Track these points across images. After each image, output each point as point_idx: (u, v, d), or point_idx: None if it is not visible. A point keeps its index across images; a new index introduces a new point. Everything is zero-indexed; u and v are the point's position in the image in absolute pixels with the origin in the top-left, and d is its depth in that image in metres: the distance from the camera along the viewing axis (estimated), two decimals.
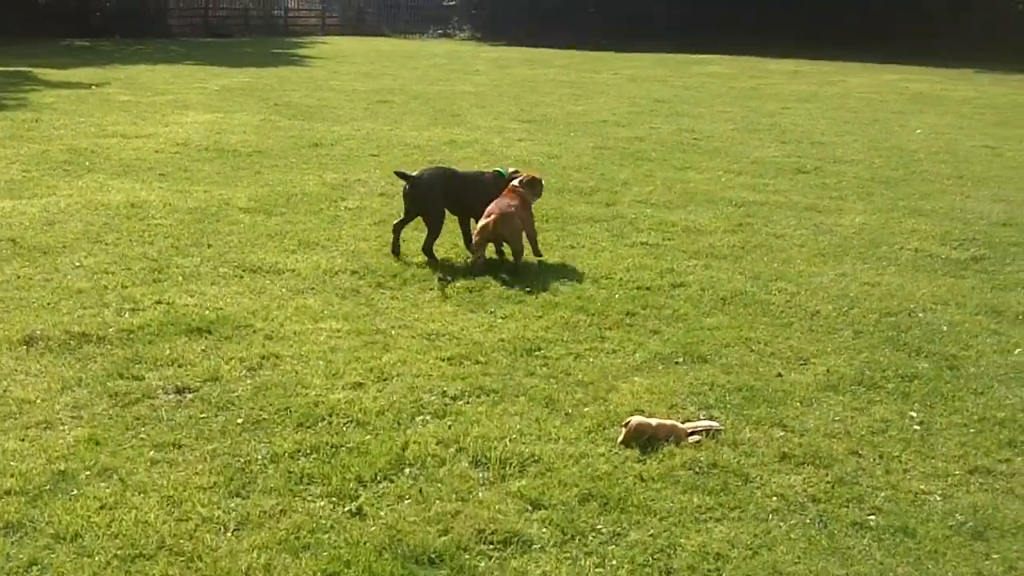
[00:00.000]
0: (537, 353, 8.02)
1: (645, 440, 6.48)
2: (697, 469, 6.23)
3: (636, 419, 6.48)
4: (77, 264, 9.82)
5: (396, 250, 10.60)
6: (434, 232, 10.24)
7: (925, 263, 11.14)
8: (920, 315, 9.28)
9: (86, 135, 17.15)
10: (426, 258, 10.58)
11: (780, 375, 7.85)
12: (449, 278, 9.86)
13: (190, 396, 6.96)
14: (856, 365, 8.04)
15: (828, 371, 7.88)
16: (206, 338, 8.03)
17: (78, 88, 23.92)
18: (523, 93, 26.60)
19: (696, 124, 21.36)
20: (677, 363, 8.01)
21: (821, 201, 14.28)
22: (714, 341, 8.52)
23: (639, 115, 22.72)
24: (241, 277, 9.67)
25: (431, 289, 9.59)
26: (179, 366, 7.45)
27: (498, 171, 10.62)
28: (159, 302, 8.79)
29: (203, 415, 6.68)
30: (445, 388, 7.19)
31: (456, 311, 8.99)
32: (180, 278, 9.48)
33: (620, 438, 6.50)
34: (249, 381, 7.21)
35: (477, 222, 10.13)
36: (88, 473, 5.90)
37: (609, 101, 25.05)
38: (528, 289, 9.64)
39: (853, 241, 12.08)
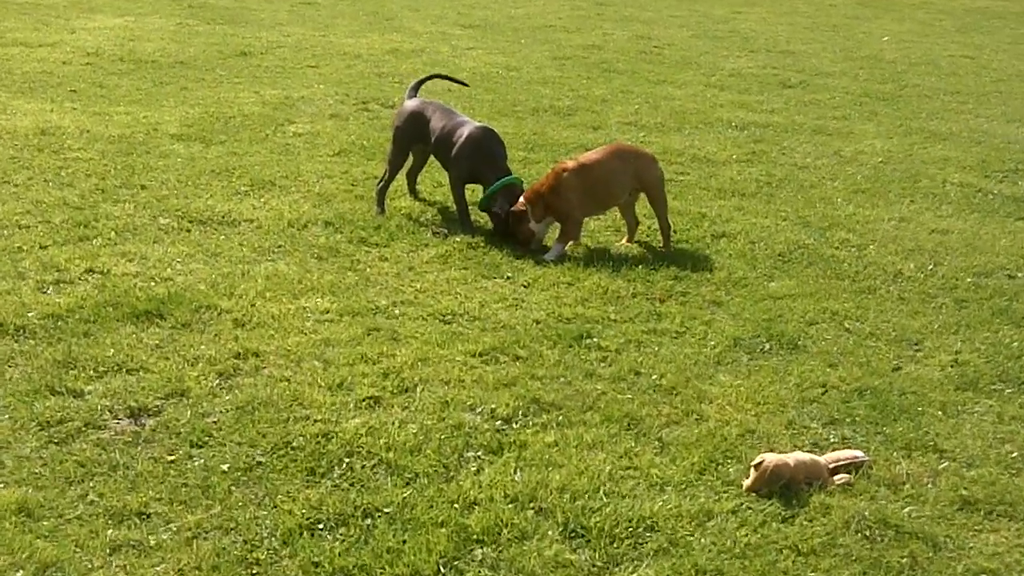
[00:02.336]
0: (588, 341, 6.23)
1: (782, 486, 4.67)
2: (866, 532, 4.54)
3: (771, 459, 4.71)
4: None
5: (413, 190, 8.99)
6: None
7: (982, 202, 9.81)
8: (1020, 276, 7.57)
9: None
10: (411, 197, 8.67)
11: (898, 367, 6.15)
12: (445, 230, 7.92)
13: (150, 424, 5.04)
14: (983, 351, 6.42)
15: (955, 361, 6.24)
16: (158, 325, 6.06)
17: None
18: None
19: (651, 30, 19.49)
20: (764, 351, 6.26)
21: (825, 122, 12.63)
22: (794, 316, 6.79)
23: (586, 19, 20.73)
24: (188, 231, 7.67)
25: (425, 245, 7.68)
26: (128, 372, 5.51)
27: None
28: (90, 270, 6.80)
29: (172, 457, 4.77)
30: (490, 403, 5.37)
31: (466, 277, 7.12)
32: (112, 234, 7.46)
33: (748, 483, 4.73)
34: (227, 396, 5.29)
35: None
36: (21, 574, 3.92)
37: (548, 2, 22.97)
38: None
39: (886, 173, 10.45)
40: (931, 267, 7.85)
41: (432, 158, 8.62)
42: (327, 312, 6.43)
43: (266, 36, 16.37)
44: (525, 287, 7.10)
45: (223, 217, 7.99)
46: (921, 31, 21.97)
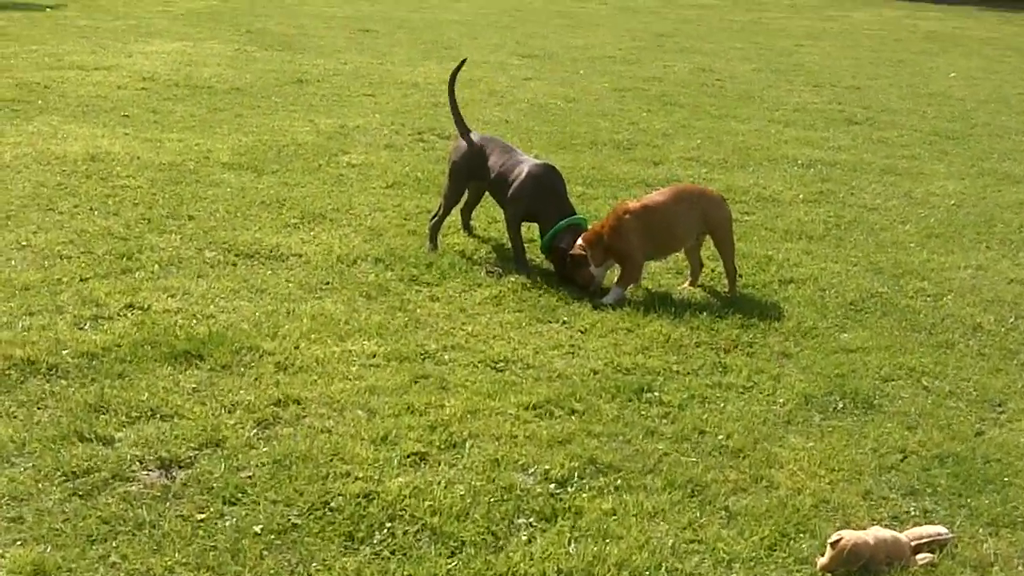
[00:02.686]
0: (649, 395, 5.84)
1: (861, 566, 4.25)
2: None
3: (849, 537, 4.31)
4: (23, 243, 7.46)
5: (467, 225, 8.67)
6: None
7: None
8: None
9: (38, 66, 14.54)
10: (464, 233, 8.33)
11: (981, 432, 5.70)
12: (499, 269, 7.57)
13: (181, 477, 4.69)
14: None
15: None
16: (196, 367, 5.73)
17: (29, 10, 21.04)
18: (514, 23, 24.11)
19: (711, 62, 19.10)
20: (837, 411, 5.83)
21: (894, 161, 12.17)
22: (868, 372, 6.36)
23: (645, 50, 20.40)
24: (234, 265, 7.36)
25: (479, 285, 7.32)
26: (162, 418, 5.17)
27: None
28: (130, 306, 6.50)
29: (202, 515, 4.44)
30: (544, 463, 5.01)
31: (520, 321, 6.74)
32: (155, 267, 7.16)
33: (824, 562, 4.32)
34: (264, 448, 4.94)
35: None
36: None
37: (607, 34, 22.68)
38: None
39: (959, 217, 9.99)
40: (1012, 320, 7.41)
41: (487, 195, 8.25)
42: (374, 356, 6.09)
43: (323, 63, 16.16)
44: (582, 333, 6.73)
45: (271, 251, 7.68)
46: (988, 67, 21.50)
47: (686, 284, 7.61)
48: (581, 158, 11.24)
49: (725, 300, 7.40)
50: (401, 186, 9.74)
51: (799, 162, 11.91)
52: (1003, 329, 7.24)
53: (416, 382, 5.83)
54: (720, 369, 6.35)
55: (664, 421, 5.63)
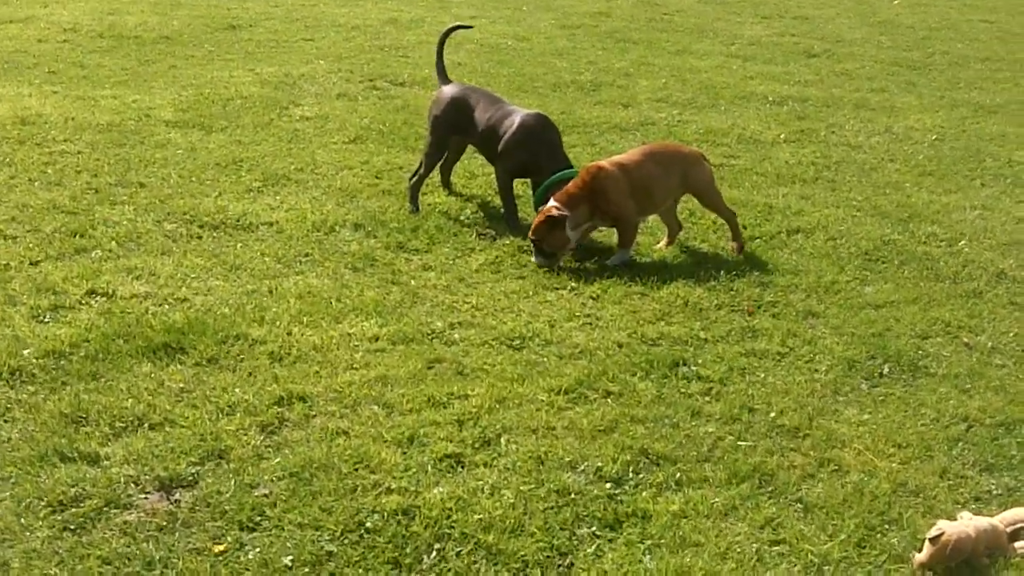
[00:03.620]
0: (684, 369, 5.32)
1: (963, 560, 3.77)
2: None
3: (951, 531, 3.83)
4: None
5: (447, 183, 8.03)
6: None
7: None
8: None
9: None
10: (445, 191, 7.77)
11: None
12: (492, 231, 6.97)
13: (186, 499, 4.07)
14: None
15: None
16: (179, 362, 5.07)
17: None
18: None
19: None
20: (884, 376, 5.36)
21: (864, 95, 11.78)
22: (903, 329, 5.91)
23: None
24: (199, 238, 6.67)
25: (471, 249, 6.73)
26: (151, 427, 4.53)
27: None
28: (92, 292, 5.80)
29: (220, 547, 3.79)
30: (592, 458, 4.46)
31: (525, 289, 6.17)
32: (113, 244, 6.45)
33: (923, 558, 3.83)
34: (276, 459, 4.32)
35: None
36: None
37: None
38: (598, 243, 7.12)
39: (946, 152, 9.62)
40: None
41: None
42: (376, 339, 5.47)
43: (253, 6, 15.31)
44: (594, 300, 6.16)
45: (238, 220, 6.99)
46: None
47: (662, 244, 7.02)
48: (547, 102, 10.61)
49: (734, 256, 6.84)
50: (364, 140, 9.05)
51: (770, 99, 11.40)
52: None
53: (430, 367, 5.22)
54: (750, 334, 5.83)
55: (707, 399, 5.09)
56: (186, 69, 11.38)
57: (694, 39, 14.81)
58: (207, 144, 8.71)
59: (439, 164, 7.67)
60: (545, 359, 5.41)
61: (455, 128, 7.37)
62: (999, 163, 9.40)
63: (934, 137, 10.17)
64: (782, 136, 9.91)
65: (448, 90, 7.45)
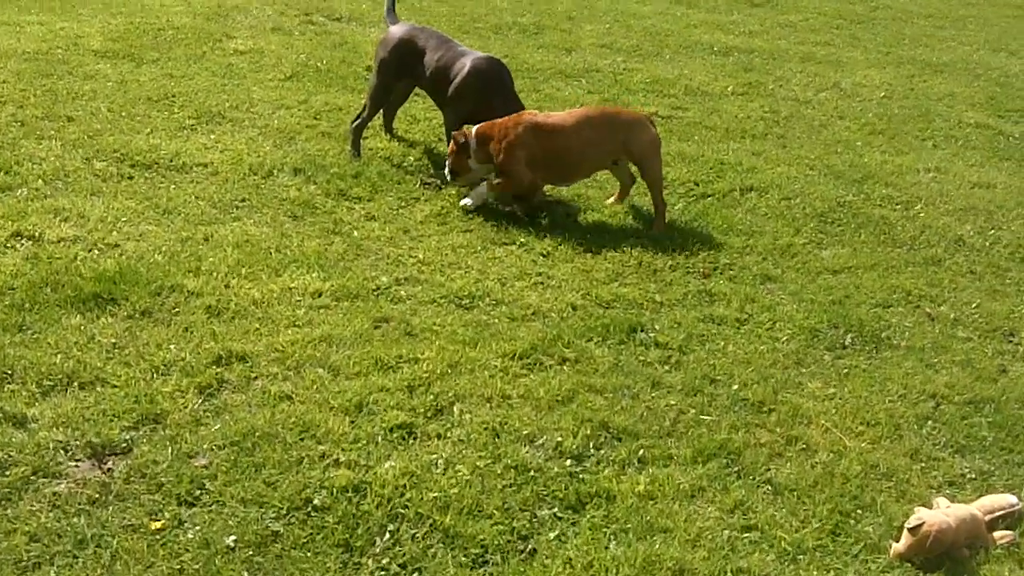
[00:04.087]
0: (642, 336, 5.12)
1: (943, 551, 3.61)
2: None
3: (931, 521, 3.67)
4: None
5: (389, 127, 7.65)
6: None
7: (1008, 148, 8.92)
8: None
9: None
10: (387, 136, 7.38)
11: (1004, 370, 5.12)
12: (436, 180, 6.68)
13: (120, 469, 3.82)
14: None
15: None
16: (111, 314, 4.76)
17: None
18: None
19: None
20: (846, 347, 5.24)
21: (809, 48, 11.65)
22: (863, 297, 5.77)
23: None
24: (131, 179, 6.32)
25: (416, 199, 6.45)
26: (81, 386, 4.24)
27: None
28: (18, 235, 5.46)
29: (157, 523, 3.50)
30: (551, 431, 4.23)
31: (472, 244, 5.92)
32: (40, 183, 6.08)
33: (900, 548, 3.68)
34: (215, 425, 4.06)
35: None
36: None
37: None
38: (546, 197, 6.83)
39: (894, 111, 9.47)
40: (992, 232, 6.88)
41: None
42: (319, 294, 5.18)
43: None
44: (544, 257, 5.92)
45: (171, 160, 6.64)
46: None
47: (612, 199, 6.79)
48: (489, 45, 10.28)
49: (688, 212, 6.62)
50: (301, 78, 8.68)
51: (715, 49, 11.19)
52: (987, 243, 6.71)
53: (377, 327, 4.95)
54: (707, 299, 5.63)
55: (667, 368, 4.88)
56: None
57: None
58: (138, 77, 8.28)
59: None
60: (497, 320, 5.16)
61: (403, 71, 7.04)
62: (949, 123, 9.27)
63: (882, 95, 10.01)
64: (730, 88, 9.70)
65: (396, 30, 7.11)
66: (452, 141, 6.46)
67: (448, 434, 4.21)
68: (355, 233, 5.99)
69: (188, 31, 9.72)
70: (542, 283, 5.63)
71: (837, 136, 8.65)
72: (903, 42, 12.58)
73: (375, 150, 7.29)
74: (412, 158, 7.19)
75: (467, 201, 6.33)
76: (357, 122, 7.13)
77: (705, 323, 5.38)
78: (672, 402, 4.61)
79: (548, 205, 6.53)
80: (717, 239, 6.33)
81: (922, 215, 7.03)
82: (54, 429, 4.02)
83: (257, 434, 4.07)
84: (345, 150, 7.10)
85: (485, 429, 4.25)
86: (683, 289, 5.71)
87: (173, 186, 6.35)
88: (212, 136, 7.19)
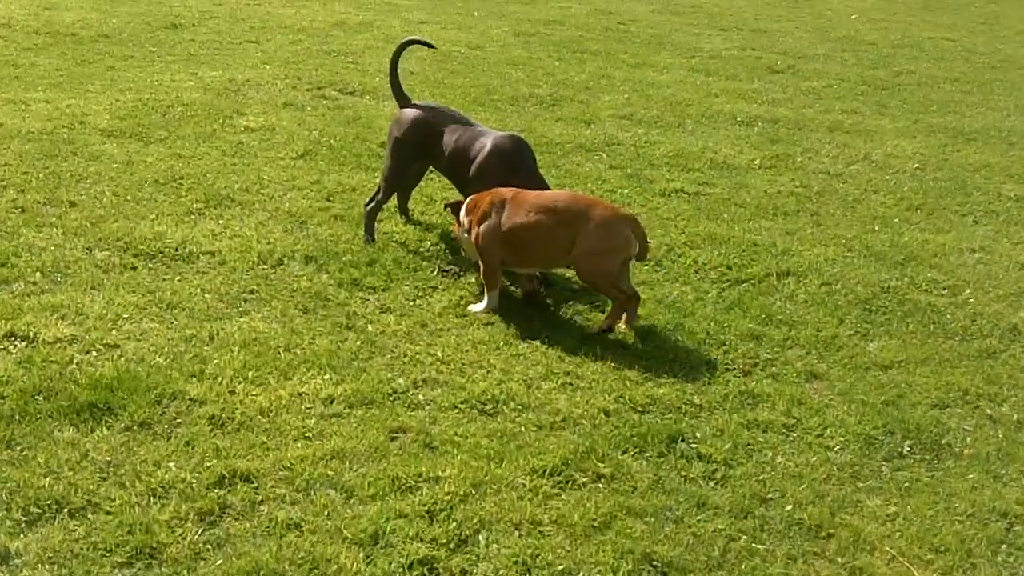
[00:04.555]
0: (683, 447, 4.71)
1: None
2: None
3: None
4: None
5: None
6: None
7: None
8: None
9: None
10: (402, 219, 7.25)
11: None
12: (455, 268, 6.30)
13: None
14: None
15: None
16: (107, 426, 4.39)
17: None
18: None
19: (609, 4, 17.96)
20: (904, 456, 4.90)
21: (835, 116, 11.29)
22: (917, 397, 5.38)
23: None
24: (134, 269, 5.94)
25: (433, 288, 6.06)
26: (72, 513, 3.87)
27: None
28: (11, 336, 5.15)
29: None
30: (590, 567, 3.76)
31: (494, 339, 5.60)
32: (37, 275, 5.75)
33: None
34: (217, 561, 3.69)
35: None
36: None
37: None
38: (574, 284, 6.46)
39: (930, 184, 9.12)
40: None
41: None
42: (331, 400, 4.77)
43: (196, 5, 14.49)
44: (572, 354, 5.56)
45: (176, 249, 6.26)
46: (887, 8, 20.82)
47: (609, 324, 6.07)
48: (506, 118, 9.94)
49: (723, 300, 6.20)
50: (313, 156, 8.33)
51: (738, 119, 10.82)
52: None
53: (394, 438, 4.53)
54: (749, 401, 5.19)
55: (712, 485, 4.45)
56: (125, 71, 10.59)
57: (652, 51, 14.23)
58: (145, 157, 7.94)
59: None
60: (523, 429, 4.74)
61: (419, 152, 6.67)
62: (988, 197, 8.88)
63: (915, 166, 9.64)
64: (756, 161, 9.32)
65: (411, 111, 6.75)
66: (450, 205, 6.12)
67: (474, 570, 3.78)
68: (369, 328, 5.59)
69: (198, 107, 9.40)
70: (571, 384, 5.21)
71: (873, 212, 8.25)
72: (931, 109, 12.24)
73: (390, 234, 6.90)
74: (429, 243, 6.81)
75: (475, 307, 5.91)
76: (371, 205, 6.77)
77: (750, 430, 4.95)
78: (720, 527, 4.18)
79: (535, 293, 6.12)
80: (755, 330, 5.93)
81: (971, 301, 6.62)
82: (39, 567, 3.60)
83: (262, 572, 3.62)
84: (358, 235, 6.73)
85: (515, 563, 3.82)
86: (723, 389, 5.29)
87: (178, 277, 5.97)
88: (220, 221, 6.82)
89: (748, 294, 6.44)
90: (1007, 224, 8.27)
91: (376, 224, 6.85)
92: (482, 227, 5.91)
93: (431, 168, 7.00)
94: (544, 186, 6.41)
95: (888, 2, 21.75)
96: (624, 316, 5.81)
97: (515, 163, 6.38)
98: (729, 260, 6.88)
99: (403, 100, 6.92)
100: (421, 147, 6.66)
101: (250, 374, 4.97)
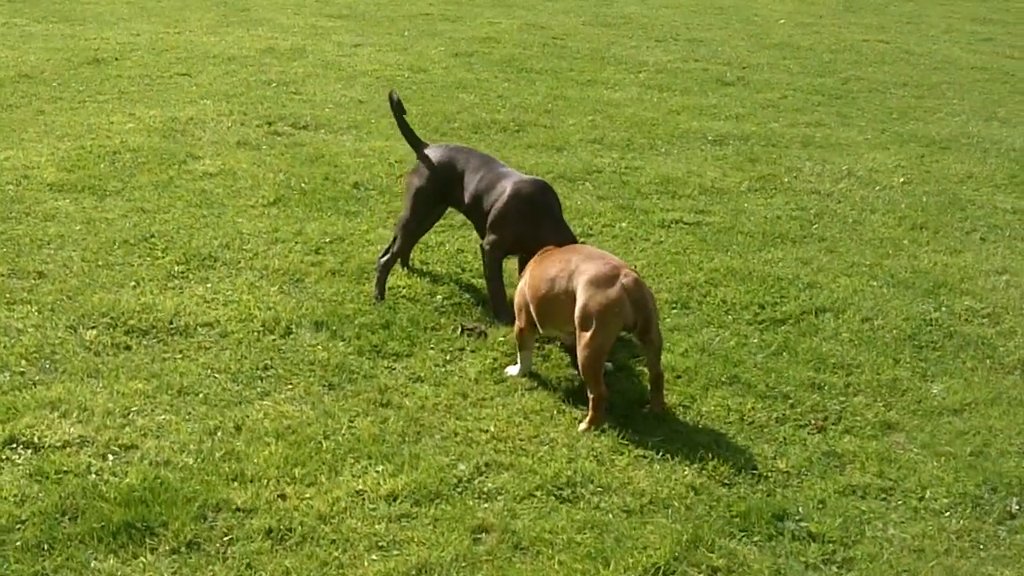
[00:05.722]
0: (791, 525, 4.22)
1: None
2: None
3: None
4: None
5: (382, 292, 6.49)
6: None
7: None
8: None
9: None
10: (403, 268, 6.80)
11: None
12: (479, 325, 5.80)
13: None
14: None
15: None
16: (149, 550, 3.89)
17: None
18: None
19: (536, 17, 17.58)
20: (1015, 518, 4.44)
21: (801, 130, 11.11)
22: (1004, 445, 5.14)
23: (458, 4, 18.57)
24: (129, 350, 5.34)
25: (460, 350, 5.54)
26: None
27: None
28: (13, 442, 4.69)
29: None
30: None
31: (545, 407, 5.19)
32: (23, 363, 5.22)
33: None
34: None
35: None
36: None
37: None
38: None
39: (924, 200, 8.91)
40: None
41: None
42: (395, 498, 4.25)
43: (114, 36, 13.77)
44: (630, 419, 4.99)
45: (170, 322, 5.67)
46: (810, 11, 20.77)
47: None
48: (473, 146, 9.36)
49: (768, 344, 5.77)
50: (286, 202, 7.75)
51: (709, 138, 10.50)
52: None
53: (477, 540, 4.03)
54: (835, 462, 4.81)
55: (836, 570, 3.99)
56: (57, 115, 9.88)
57: (597, 67, 13.86)
58: (105, 214, 7.31)
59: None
60: (613, 518, 4.26)
61: (443, 198, 6.15)
62: (985, 211, 8.64)
63: (901, 180, 9.39)
64: (744, 184, 8.97)
65: (432, 154, 6.24)
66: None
67: None
68: (406, 403, 5.05)
69: (147, 152, 8.76)
70: (644, 456, 4.75)
71: (877, 234, 7.92)
72: (892, 117, 12.03)
73: (395, 288, 6.39)
74: (440, 296, 6.30)
75: (510, 370, 5.39)
76: (386, 258, 6.24)
77: (847, 497, 4.55)
78: None
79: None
80: (813, 378, 5.51)
81: (1017, 330, 6.30)
82: None
83: None
84: (362, 292, 6.19)
85: None
86: (803, 450, 4.87)
87: (180, 356, 5.36)
88: (208, 285, 6.22)
89: (791, 337, 6.03)
90: (1014, 240, 8.02)
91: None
92: (521, 287, 5.39)
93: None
94: (570, 236, 5.91)
95: (808, 4, 21.64)
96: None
97: (538, 209, 5.89)
98: (758, 298, 6.46)
99: (418, 145, 6.38)
100: (445, 192, 6.15)
101: (296, 471, 4.40)
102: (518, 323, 5.39)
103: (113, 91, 11.05)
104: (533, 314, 5.29)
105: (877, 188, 9.18)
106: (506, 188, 5.91)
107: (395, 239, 6.31)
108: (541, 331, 5.39)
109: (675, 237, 7.58)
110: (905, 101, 12.92)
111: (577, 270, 5.07)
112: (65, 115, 9.96)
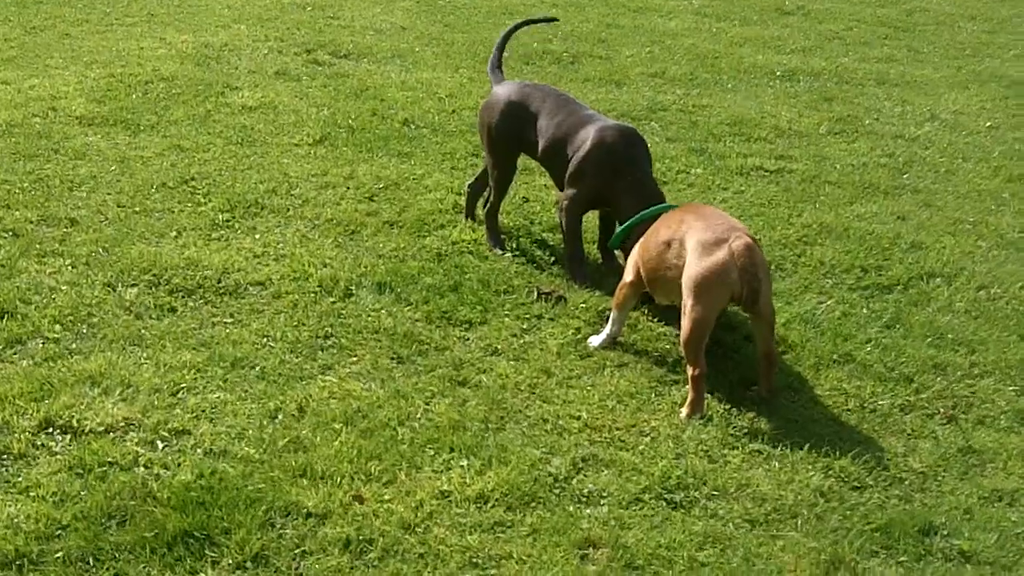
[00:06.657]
0: (940, 542, 3.67)
1: None
2: None
3: None
4: None
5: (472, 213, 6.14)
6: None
7: None
8: None
9: None
10: (468, 221, 6.21)
11: None
12: (558, 291, 5.17)
13: None
14: None
15: None
16: (211, 564, 3.46)
17: None
18: None
19: None
20: None
21: (876, 66, 10.41)
22: None
23: None
24: (174, 312, 4.79)
25: (538, 318, 4.98)
26: None
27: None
28: (47, 427, 4.04)
29: None
30: None
31: (640, 389, 4.62)
32: (57, 328, 4.69)
33: None
34: None
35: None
36: None
37: None
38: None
39: (1013, 146, 8.08)
40: None
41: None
42: (485, 501, 3.69)
43: None
44: (739, 406, 4.35)
45: (219, 280, 5.10)
46: None
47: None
48: (525, 79, 8.71)
49: (877, 315, 5.16)
50: (333, 141, 7.14)
51: (777, 73, 9.82)
52: None
53: (584, 557, 3.44)
54: (974, 460, 4.26)
55: None
56: (83, 39, 9.26)
57: None
58: (139, 151, 6.71)
59: (508, 183, 5.82)
60: (736, 530, 3.68)
61: (519, 141, 5.51)
62: None
63: (988, 124, 8.69)
64: (823, 127, 8.31)
65: (502, 92, 5.61)
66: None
67: None
68: (485, 380, 4.48)
69: (182, 83, 8.12)
70: (759, 452, 4.16)
71: (974, 186, 7.28)
72: (965, 54, 11.30)
73: (459, 243, 5.79)
74: (510, 254, 5.66)
75: (594, 340, 4.77)
76: (488, 208, 5.62)
77: (993, 505, 4.02)
78: None
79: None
80: (934, 357, 4.91)
81: None
82: None
83: None
84: (424, 247, 5.73)
85: None
86: (935, 446, 4.30)
87: (230, 320, 4.79)
88: (256, 236, 5.63)
89: (902, 307, 5.43)
90: None
91: (438, 232, 5.72)
92: (633, 248, 4.78)
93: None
94: (655, 190, 5.27)
95: None
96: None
97: (622, 159, 5.25)
98: (859, 260, 5.86)
99: (497, 76, 5.73)
100: (519, 135, 5.54)
101: (371, 467, 3.84)
102: (625, 277, 4.76)
103: (142, 13, 10.42)
104: (644, 279, 4.65)
105: (964, 133, 8.52)
106: (589, 135, 5.26)
107: (489, 189, 5.72)
108: (656, 300, 4.77)
109: (757, 187, 6.96)
110: (976, 36, 12.18)
111: (687, 233, 4.43)
112: (92, 39, 9.33)
